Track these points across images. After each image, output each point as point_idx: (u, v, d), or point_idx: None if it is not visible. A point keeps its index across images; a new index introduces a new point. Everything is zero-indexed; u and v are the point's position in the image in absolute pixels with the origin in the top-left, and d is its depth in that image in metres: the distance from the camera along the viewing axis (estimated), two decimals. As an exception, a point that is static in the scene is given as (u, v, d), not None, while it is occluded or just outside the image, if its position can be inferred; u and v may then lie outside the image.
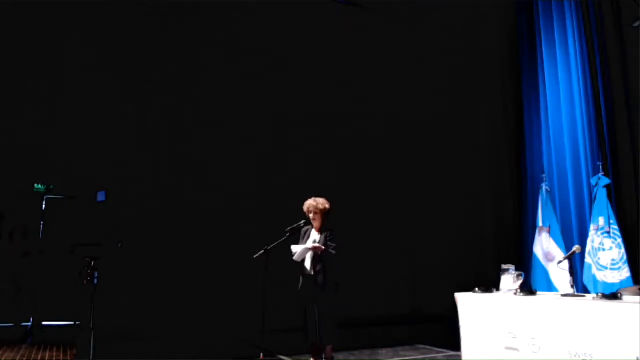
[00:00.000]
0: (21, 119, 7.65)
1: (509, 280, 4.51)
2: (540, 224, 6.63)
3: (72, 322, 7.27)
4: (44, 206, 7.52)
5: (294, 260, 5.00)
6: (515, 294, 4.32)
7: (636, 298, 3.76)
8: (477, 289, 4.66)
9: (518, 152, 8.07)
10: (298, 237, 5.17)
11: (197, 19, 8.68)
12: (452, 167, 9.53)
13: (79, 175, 7.69)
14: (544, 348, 3.88)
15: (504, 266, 4.61)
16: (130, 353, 5.81)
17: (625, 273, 5.74)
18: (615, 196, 6.30)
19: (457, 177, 9.46)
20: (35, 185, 7.45)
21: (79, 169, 7.71)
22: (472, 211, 9.31)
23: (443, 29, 9.62)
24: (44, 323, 7.18)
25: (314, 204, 5.13)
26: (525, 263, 6.85)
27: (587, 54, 6.83)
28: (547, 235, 6.52)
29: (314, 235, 5.10)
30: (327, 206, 5.15)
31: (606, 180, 6.09)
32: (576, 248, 4.47)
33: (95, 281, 5.59)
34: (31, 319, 7.05)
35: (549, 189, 6.76)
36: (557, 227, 6.58)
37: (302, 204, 5.22)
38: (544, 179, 6.82)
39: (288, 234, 5.07)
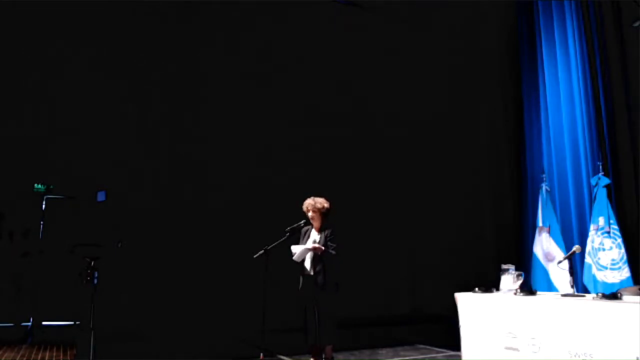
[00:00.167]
0: (21, 119, 7.66)
1: (509, 280, 4.51)
2: (540, 224, 6.63)
3: (72, 322, 7.27)
4: (44, 206, 7.52)
5: (294, 260, 5.01)
6: (515, 294, 4.32)
7: (636, 298, 3.76)
8: (477, 289, 4.65)
9: (518, 152, 8.07)
10: (298, 237, 5.17)
11: (197, 19, 8.68)
12: (452, 167, 9.53)
13: (79, 175, 7.69)
14: (544, 348, 3.88)
15: (504, 266, 4.61)
16: (130, 353, 5.82)
17: (625, 273, 5.74)
18: (615, 196, 6.30)
19: (457, 177, 9.46)
20: (35, 185, 7.46)
21: (79, 169, 7.72)
22: (472, 211, 9.31)
23: (443, 29, 9.63)
24: (44, 323, 7.18)
25: (312, 203, 5.13)
26: (525, 263, 6.85)
27: (587, 54, 6.83)
28: (547, 235, 6.52)
29: (314, 235, 5.10)
30: (326, 206, 5.14)
31: (606, 180, 6.09)
32: (576, 248, 4.47)
33: (95, 281, 5.59)
34: (31, 319, 7.05)
35: (549, 189, 6.76)
36: (557, 227, 6.58)
37: (302, 204, 5.22)
38: (544, 179, 6.82)
39: (288, 234, 5.07)
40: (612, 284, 5.65)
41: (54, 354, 5.95)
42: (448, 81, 9.61)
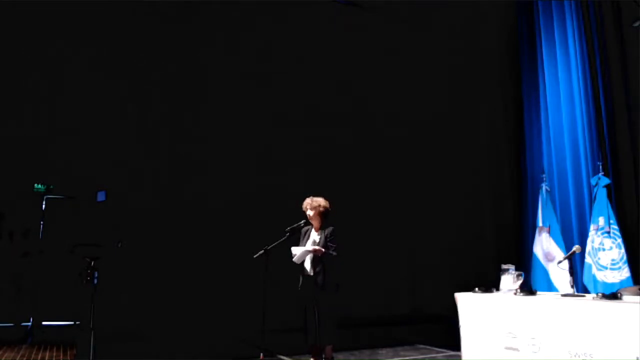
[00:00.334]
0: (21, 119, 7.66)
1: (509, 280, 4.51)
2: (540, 224, 6.63)
3: (72, 322, 7.27)
4: (44, 206, 7.53)
5: (293, 261, 5.00)
6: (515, 294, 4.32)
7: (636, 298, 3.76)
8: (477, 289, 4.65)
9: (518, 152, 8.07)
10: (298, 237, 5.17)
11: (198, 19, 8.68)
12: (452, 167, 9.53)
13: (79, 175, 7.69)
14: (544, 348, 3.88)
15: (504, 266, 4.61)
16: (130, 353, 5.82)
17: (625, 273, 5.74)
18: (615, 196, 6.31)
19: (457, 177, 9.47)
20: (35, 185, 7.46)
21: (79, 169, 7.72)
22: (472, 211, 9.31)
23: (443, 29, 9.63)
24: (44, 323, 7.18)
25: (311, 202, 5.13)
26: (525, 263, 6.85)
27: (587, 54, 6.83)
28: (547, 235, 6.52)
29: (314, 235, 5.09)
30: (325, 205, 5.12)
31: (606, 180, 6.09)
32: (576, 248, 4.47)
33: (95, 281, 5.58)
34: (31, 319, 7.05)
35: (549, 189, 6.76)
36: (557, 227, 6.58)
37: (302, 204, 5.22)
38: (544, 179, 6.82)
39: (288, 234, 5.06)
40: (612, 284, 5.66)
41: (54, 354, 5.95)
42: (448, 81, 9.61)
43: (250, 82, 8.87)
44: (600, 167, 6.20)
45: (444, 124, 9.62)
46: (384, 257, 9.54)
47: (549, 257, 6.43)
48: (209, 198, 8.36)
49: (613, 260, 5.82)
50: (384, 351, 6.29)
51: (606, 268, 5.83)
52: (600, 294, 3.76)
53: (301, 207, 5.19)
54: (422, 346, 6.59)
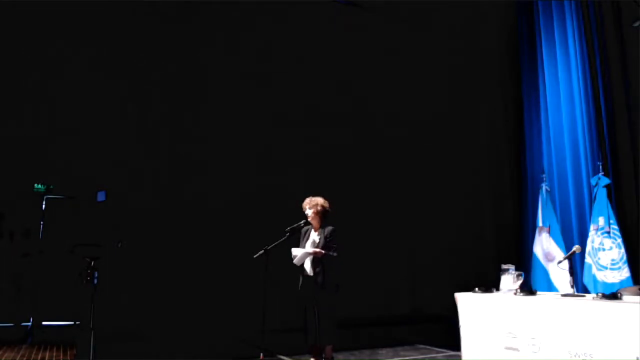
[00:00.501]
0: (21, 119, 7.66)
1: (509, 280, 4.51)
2: (540, 224, 6.63)
3: (72, 322, 7.27)
4: (44, 206, 7.52)
5: (294, 263, 5.00)
6: (515, 294, 4.32)
7: (636, 298, 3.76)
8: (477, 289, 4.65)
9: (518, 152, 8.07)
10: (298, 237, 5.17)
11: (198, 19, 8.68)
12: (452, 167, 9.53)
13: (79, 175, 7.69)
14: (544, 348, 3.88)
15: (504, 266, 4.61)
16: (130, 353, 5.82)
17: (625, 273, 5.74)
18: (615, 196, 6.30)
19: (457, 177, 9.46)
20: (35, 185, 7.46)
21: (79, 169, 7.72)
22: (472, 211, 9.31)
23: (443, 29, 9.62)
24: (44, 323, 7.18)
25: (310, 202, 5.13)
26: (525, 263, 6.85)
27: (587, 54, 6.83)
28: (547, 235, 6.52)
29: (313, 235, 5.09)
30: (324, 205, 5.10)
31: (606, 180, 6.09)
32: (576, 248, 4.47)
33: (95, 281, 5.58)
34: (31, 319, 7.05)
35: (549, 189, 6.76)
36: (557, 227, 6.58)
37: (302, 204, 5.22)
38: (544, 179, 6.82)
39: (288, 234, 5.06)
40: (612, 284, 5.66)
41: (54, 354, 5.95)
42: (448, 81, 9.61)
43: (250, 82, 8.87)
44: (600, 167, 6.20)
45: (444, 124, 9.62)
46: (384, 257, 9.54)
47: (549, 257, 6.43)
48: (209, 198, 8.36)
49: (613, 260, 5.82)
50: (384, 351, 6.29)
51: (606, 268, 5.83)
52: (600, 294, 3.76)
53: (301, 207, 5.19)
54: (422, 346, 6.59)
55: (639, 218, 6.16)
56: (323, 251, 4.89)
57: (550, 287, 6.24)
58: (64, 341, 6.53)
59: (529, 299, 4.16)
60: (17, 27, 7.63)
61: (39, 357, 5.73)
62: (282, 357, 5.78)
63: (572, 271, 4.36)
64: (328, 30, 9.24)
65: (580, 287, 5.97)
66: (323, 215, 5.10)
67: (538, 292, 4.41)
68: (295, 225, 5.11)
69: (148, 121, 8.37)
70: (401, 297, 9.85)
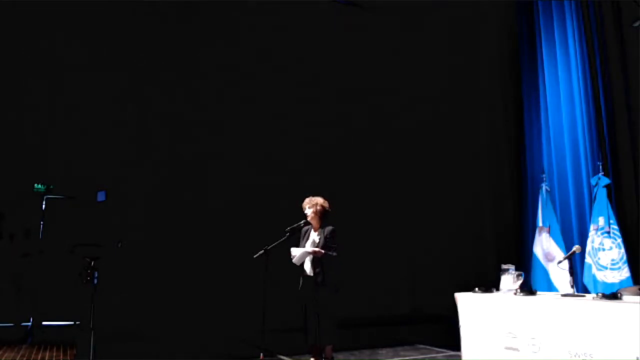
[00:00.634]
0: (21, 119, 7.66)
1: (509, 280, 4.51)
2: (540, 224, 6.63)
3: (72, 322, 7.27)
4: (44, 206, 7.52)
5: (293, 262, 5.00)
6: (515, 294, 4.32)
7: (636, 298, 3.76)
8: (477, 289, 4.65)
9: (518, 152, 8.06)
10: (298, 237, 5.16)
11: (197, 19, 8.68)
12: (452, 167, 9.52)
13: (79, 175, 7.69)
14: (544, 348, 3.88)
15: (504, 266, 4.61)
16: (130, 353, 5.81)
17: (625, 273, 5.74)
18: (615, 196, 6.30)
19: (457, 178, 9.46)
20: (35, 185, 7.46)
21: (79, 169, 7.72)
22: (472, 211, 9.31)
23: (443, 29, 9.62)
24: (44, 323, 7.18)
25: (309, 202, 5.13)
26: (525, 263, 6.84)
27: (587, 54, 6.83)
28: (547, 235, 6.52)
29: (313, 235, 5.09)
30: (323, 205, 5.10)
31: (606, 180, 6.09)
32: (576, 248, 4.47)
33: (95, 281, 5.58)
34: (31, 319, 7.05)
35: (549, 189, 6.75)
36: (557, 227, 6.57)
37: (302, 204, 5.22)
38: (544, 179, 6.82)
39: (288, 234, 5.06)
40: (612, 284, 5.65)
41: (54, 354, 5.95)
42: (448, 81, 9.61)
43: (251, 82, 8.87)
44: (600, 167, 6.19)
45: (444, 124, 9.62)
46: (384, 257, 9.54)
47: (549, 257, 6.43)
48: (209, 198, 8.36)
49: (613, 260, 5.81)
50: (384, 351, 6.29)
51: (606, 268, 5.83)
52: (600, 294, 3.76)
53: (301, 207, 5.19)
54: (422, 346, 6.59)
55: (639, 218, 6.16)
56: (322, 251, 4.89)
57: (550, 287, 6.24)
58: (64, 341, 6.53)
59: (529, 299, 4.16)
60: (17, 27, 7.64)
61: (39, 357, 5.73)
62: (282, 357, 5.78)
63: (572, 271, 4.36)
64: (328, 30, 9.24)
65: (580, 287, 5.96)
66: (323, 215, 5.10)
67: (538, 292, 4.41)
68: (295, 225, 5.11)
69: (148, 121, 8.37)
70: (401, 297, 9.85)
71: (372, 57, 9.66)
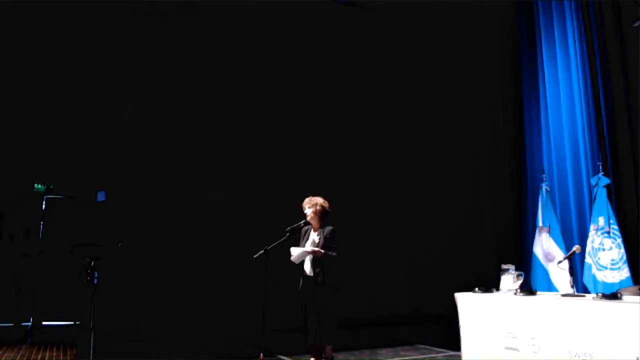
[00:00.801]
0: (21, 119, 7.66)
1: (509, 280, 4.51)
2: (540, 224, 6.63)
3: (72, 322, 7.27)
4: (44, 206, 7.52)
5: (292, 260, 5.00)
6: (515, 294, 4.32)
7: (636, 298, 3.76)
8: (477, 289, 4.65)
9: (518, 152, 8.07)
10: (298, 237, 5.17)
11: (197, 19, 8.68)
12: (452, 167, 9.53)
13: (79, 175, 7.69)
14: (544, 348, 3.88)
15: (504, 266, 4.61)
16: (130, 353, 5.81)
17: (625, 273, 5.74)
18: (615, 196, 6.30)
19: (457, 178, 9.46)
20: (35, 185, 7.46)
21: (79, 169, 7.72)
22: (472, 211, 9.30)
23: (443, 29, 9.62)
24: (44, 323, 7.18)
25: (309, 202, 5.13)
26: (525, 263, 6.84)
27: (587, 54, 6.83)
28: (547, 235, 6.52)
29: (313, 235, 5.09)
30: (323, 205, 5.10)
31: (606, 180, 6.09)
32: (576, 248, 4.47)
33: (95, 281, 5.58)
34: (31, 319, 7.05)
35: (549, 189, 6.75)
36: (557, 227, 6.57)
37: (302, 204, 5.22)
38: (544, 179, 6.82)
39: (288, 234, 5.06)
40: (612, 284, 5.65)
41: (54, 354, 5.95)
42: (448, 81, 9.61)
43: (250, 82, 8.87)
44: (600, 167, 6.19)
45: (444, 123, 9.62)
46: (384, 257, 9.54)
47: (549, 257, 6.43)
48: (208, 198, 8.36)
49: (613, 260, 5.81)
50: (384, 351, 6.29)
51: (606, 268, 5.83)
52: (600, 294, 3.76)
53: (301, 207, 5.19)
54: (422, 346, 6.59)
55: (639, 218, 6.16)
56: (322, 251, 4.89)
57: (550, 287, 6.24)
58: (64, 341, 6.53)
59: (529, 299, 4.16)
60: (18, 27, 7.64)
61: (39, 357, 5.73)
62: (282, 357, 5.78)
63: (572, 271, 4.36)
64: (328, 30, 9.24)
65: (580, 287, 5.96)
66: (323, 215, 5.10)
67: (538, 292, 4.41)
68: (295, 225, 5.11)
69: (148, 121, 8.37)
70: (401, 297, 9.84)
71: (372, 57, 9.66)
